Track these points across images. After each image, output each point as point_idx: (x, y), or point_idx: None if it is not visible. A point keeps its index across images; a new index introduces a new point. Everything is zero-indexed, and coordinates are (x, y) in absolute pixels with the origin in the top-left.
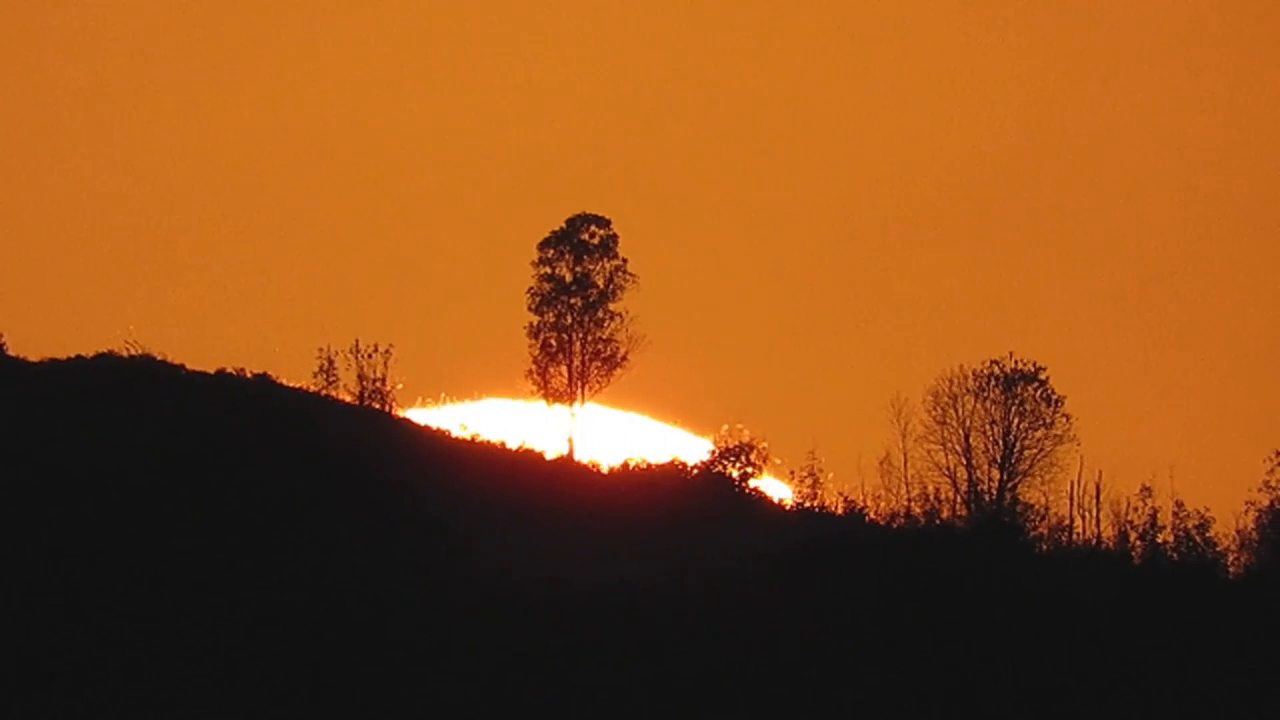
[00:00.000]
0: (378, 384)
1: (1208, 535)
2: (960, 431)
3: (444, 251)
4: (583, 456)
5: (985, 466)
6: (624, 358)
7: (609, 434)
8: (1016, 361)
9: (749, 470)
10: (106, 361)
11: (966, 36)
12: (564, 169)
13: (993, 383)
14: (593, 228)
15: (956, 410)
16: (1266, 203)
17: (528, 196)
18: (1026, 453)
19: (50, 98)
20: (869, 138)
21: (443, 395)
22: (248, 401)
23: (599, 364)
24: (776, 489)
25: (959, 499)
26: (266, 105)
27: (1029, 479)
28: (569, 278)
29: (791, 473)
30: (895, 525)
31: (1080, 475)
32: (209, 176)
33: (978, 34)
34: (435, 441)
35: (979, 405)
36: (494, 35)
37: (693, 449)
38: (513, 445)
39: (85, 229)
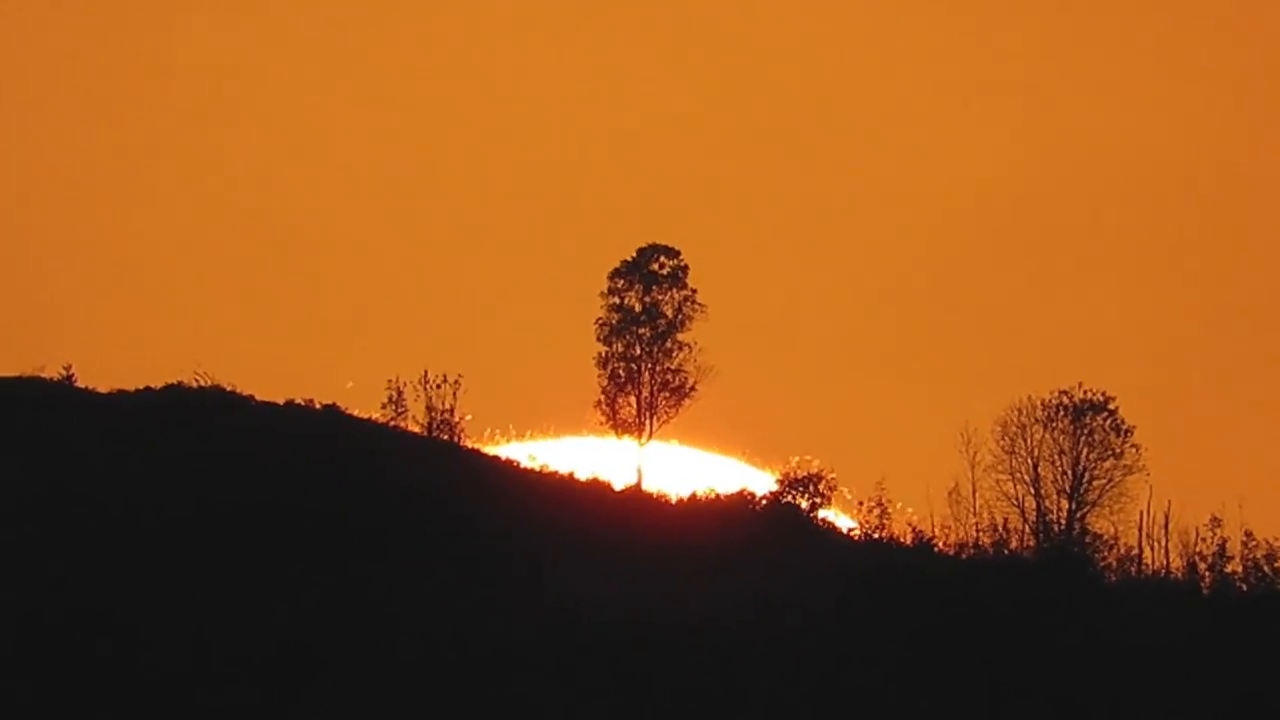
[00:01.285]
0: (446, 415)
1: (1277, 566)
2: (1029, 461)
3: (513, 282)
4: (651, 488)
5: (1054, 496)
6: (693, 388)
7: (677, 466)
8: (1085, 391)
9: (818, 501)
10: (175, 393)
11: (1028, 70)
12: (634, 199)
13: (1061, 413)
14: (662, 258)
15: (1025, 440)
16: None
17: (597, 227)
18: (1095, 483)
19: (114, 126)
20: (937, 168)
21: (511, 429)
22: (316, 432)
23: (667, 394)
24: (845, 520)
25: (1027, 529)
26: (337, 136)
27: (1098, 509)
28: (638, 308)
29: (860, 503)
30: (964, 556)
31: (1149, 505)
32: (279, 208)
33: (1039, 66)
34: (503, 472)
35: (1048, 435)
36: (565, 67)
37: (760, 482)
38: (581, 477)
39: (154, 260)
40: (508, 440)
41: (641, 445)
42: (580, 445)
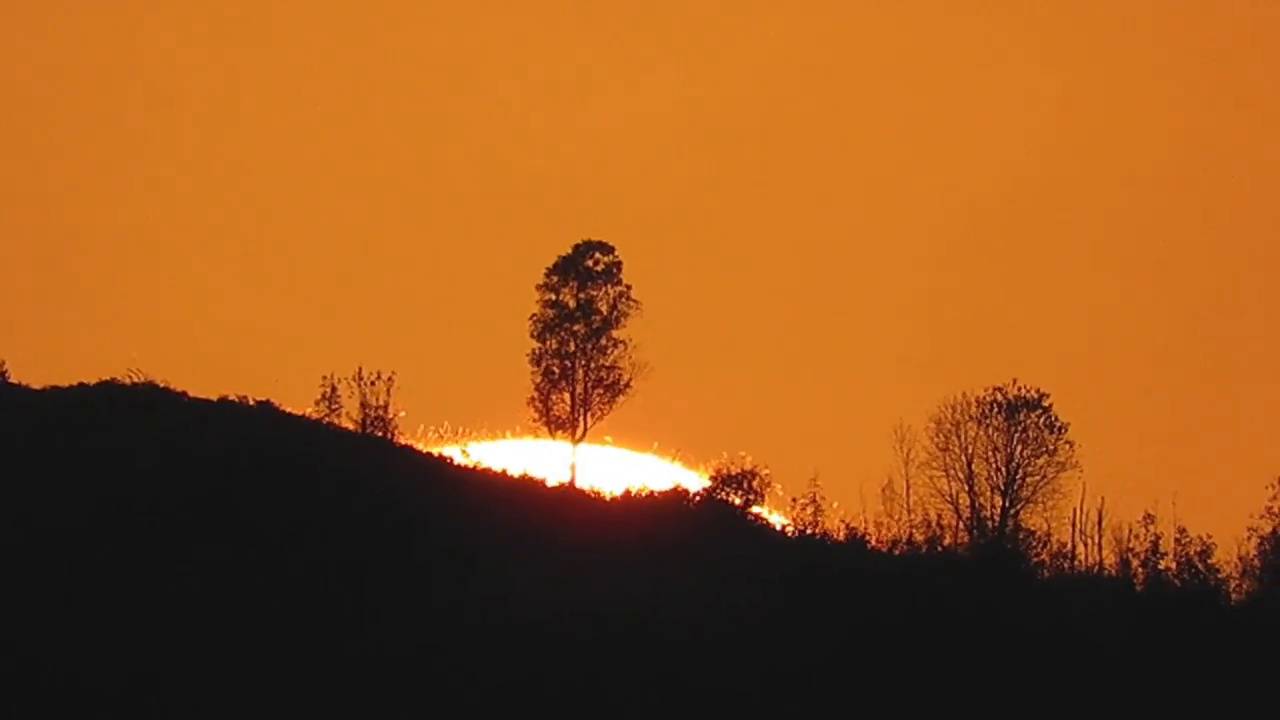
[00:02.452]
0: (380, 412)
1: (1210, 562)
2: (963, 458)
3: (448, 279)
4: (585, 485)
5: (988, 493)
6: (627, 385)
7: (610, 465)
8: (1019, 388)
9: (751, 497)
10: (109, 389)
11: (965, 65)
12: (568, 196)
13: (995, 409)
14: (597, 254)
15: (959, 437)
16: (1270, 230)
17: (533, 224)
18: (1029, 479)
19: (50, 123)
20: (870, 164)
21: (446, 425)
22: (250, 429)
23: (601, 391)
24: (779, 517)
25: (961, 526)
26: (269, 131)
27: (1031, 506)
28: (572, 304)
29: (794, 499)
30: (897, 552)
31: (1083, 502)
32: (212, 203)
33: (975, 63)
34: (437, 469)
35: (981, 432)
36: (497, 61)
37: (694, 482)
38: (514, 473)
39: (87, 255)
40: (442, 441)
41: (575, 442)
42: (515, 447)
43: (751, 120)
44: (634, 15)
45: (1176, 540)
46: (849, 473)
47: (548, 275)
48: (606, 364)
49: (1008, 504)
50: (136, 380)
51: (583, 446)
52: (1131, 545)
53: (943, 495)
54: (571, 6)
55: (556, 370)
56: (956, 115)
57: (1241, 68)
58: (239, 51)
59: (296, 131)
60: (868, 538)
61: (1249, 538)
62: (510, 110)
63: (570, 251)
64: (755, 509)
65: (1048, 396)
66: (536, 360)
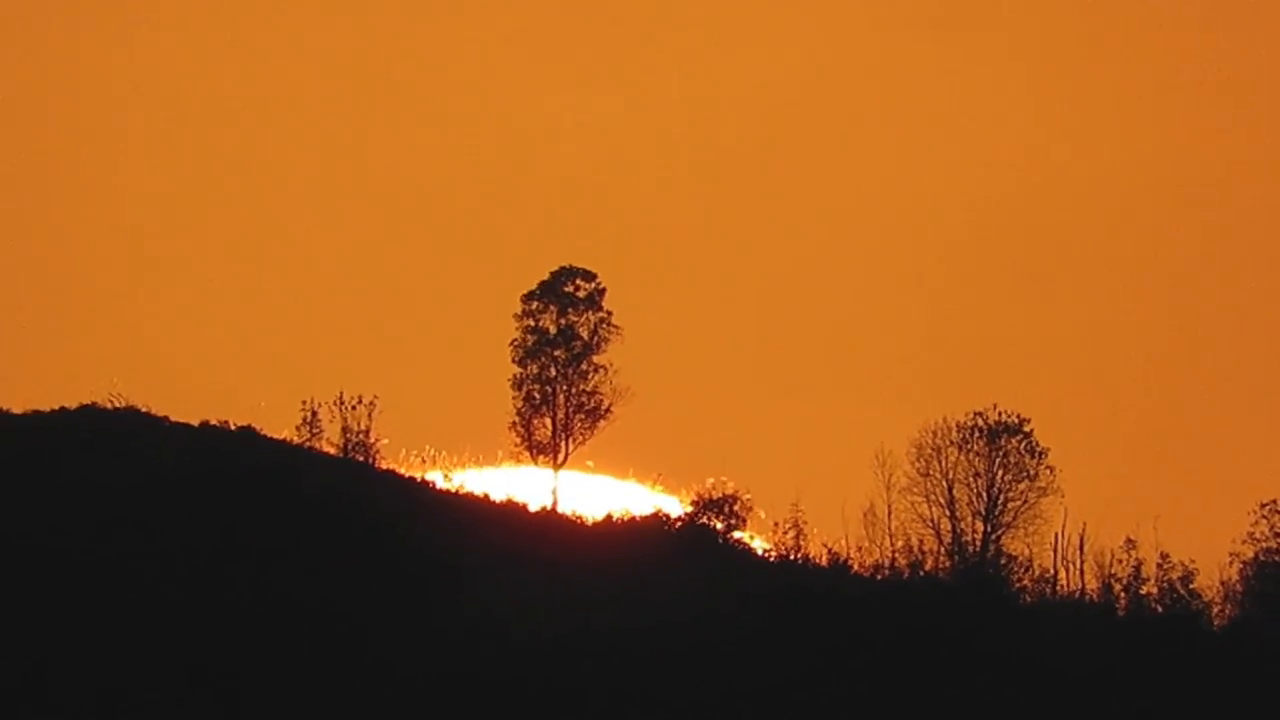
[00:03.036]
0: (361, 436)
1: (1191, 587)
2: (944, 483)
3: (430, 304)
4: (566, 509)
5: (969, 518)
6: (608, 410)
7: (592, 492)
8: (1000, 413)
9: (732, 522)
10: (91, 413)
11: (947, 91)
12: (550, 221)
13: (976, 434)
14: (579, 281)
15: (940, 462)
16: (1248, 258)
17: (513, 249)
18: (1010, 505)
19: (32, 147)
20: (850, 190)
21: (428, 449)
22: (231, 453)
23: (583, 416)
24: (760, 542)
25: (943, 551)
26: (251, 155)
27: (1013, 531)
28: (553, 330)
29: (775, 524)
30: (879, 577)
31: (1064, 527)
32: (193, 227)
33: (955, 87)
34: (419, 493)
35: (963, 457)
36: (479, 86)
37: (675, 508)
38: (497, 498)
39: (68, 279)
40: (425, 466)
41: (557, 468)
42: (497, 474)
43: (733, 145)
44: (617, 41)
45: (1158, 565)
46: (831, 497)
47: (527, 300)
48: (587, 389)
49: (989, 529)
50: (118, 404)
51: (564, 473)
52: (1113, 570)
53: (924, 520)
54: (554, 32)
55: (538, 395)
56: (935, 142)
57: (1226, 103)
58: (221, 81)
59: (279, 158)
60: (849, 562)
61: (1231, 562)
62: (493, 135)
63: (550, 276)
64: (737, 533)
65: (1028, 421)
66: (518, 385)
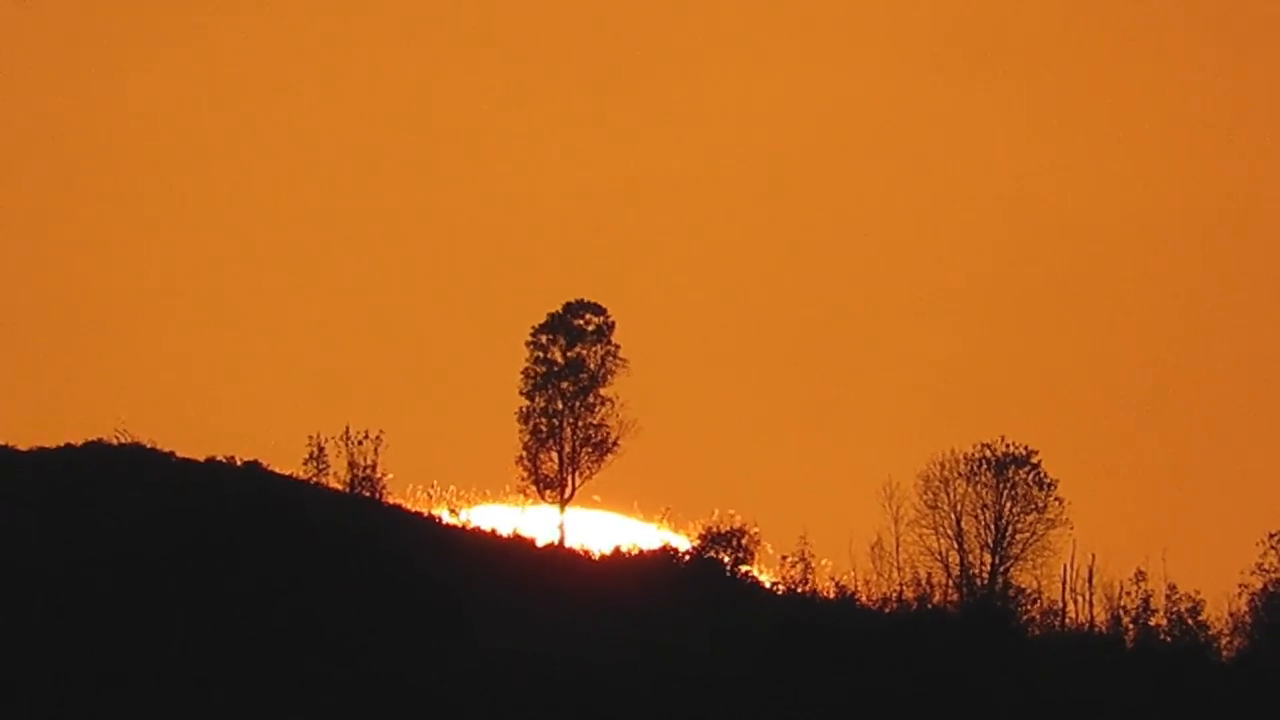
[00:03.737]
0: (368, 471)
1: (1200, 619)
2: (952, 515)
3: (437, 339)
4: (574, 544)
5: (977, 551)
6: (615, 443)
7: (598, 528)
8: (1008, 445)
9: (740, 555)
10: (96, 450)
11: (954, 125)
12: (559, 255)
13: (984, 466)
14: (588, 315)
15: (948, 494)
16: (1257, 291)
17: (520, 283)
18: (1019, 537)
19: (34, 181)
20: (861, 223)
21: (435, 485)
22: (238, 489)
23: (589, 449)
24: (768, 575)
25: (951, 583)
26: (257, 190)
27: (1021, 563)
28: (561, 361)
29: (783, 557)
30: (887, 610)
31: (1073, 559)
32: (199, 263)
33: (963, 122)
34: (426, 528)
35: (970, 489)
36: (488, 121)
37: (682, 545)
38: (504, 533)
39: (74, 316)
40: (431, 501)
41: (563, 503)
42: (503, 511)
43: (742, 181)
44: (630, 77)
45: (1167, 597)
46: (838, 530)
47: (535, 334)
48: (594, 422)
49: (997, 561)
50: (123, 441)
51: (571, 510)
52: (1122, 602)
53: (932, 553)
54: (567, 66)
55: (544, 428)
56: (941, 174)
57: (1227, 131)
58: (234, 116)
59: (284, 188)
60: (857, 596)
61: (1240, 594)
62: (503, 169)
63: (560, 309)
64: (744, 567)
65: (1036, 453)
66: (525, 418)
